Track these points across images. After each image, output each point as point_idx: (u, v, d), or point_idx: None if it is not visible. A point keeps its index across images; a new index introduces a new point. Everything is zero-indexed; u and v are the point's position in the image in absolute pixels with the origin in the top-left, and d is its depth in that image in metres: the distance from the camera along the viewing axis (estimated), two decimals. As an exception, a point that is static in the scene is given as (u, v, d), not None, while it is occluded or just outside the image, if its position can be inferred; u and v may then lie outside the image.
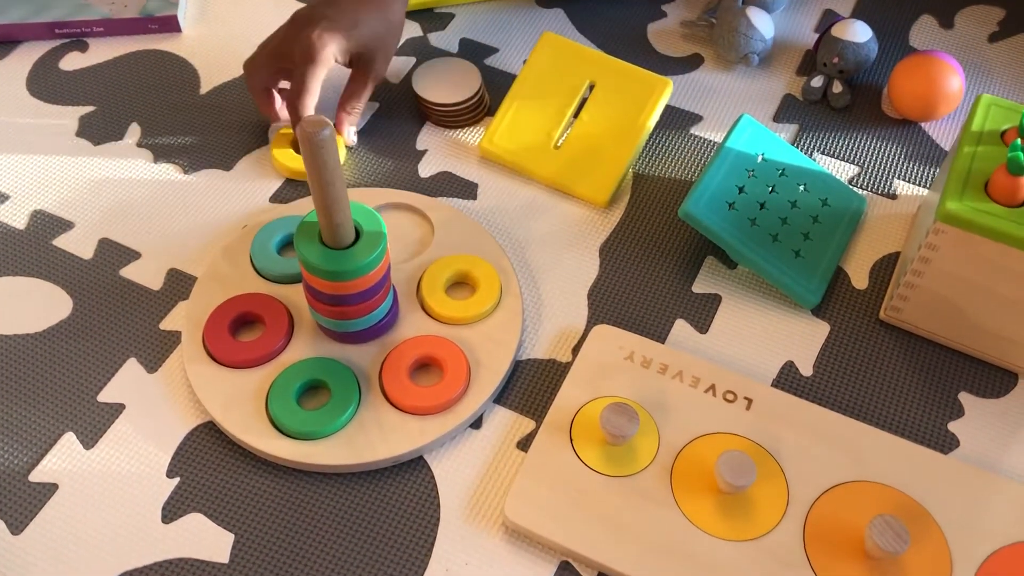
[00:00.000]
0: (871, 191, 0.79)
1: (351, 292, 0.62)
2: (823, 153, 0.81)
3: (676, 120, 0.84)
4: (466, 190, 0.79)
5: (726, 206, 0.72)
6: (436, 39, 0.91)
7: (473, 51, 0.90)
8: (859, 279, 0.73)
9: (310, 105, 0.75)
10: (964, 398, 0.67)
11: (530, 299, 0.72)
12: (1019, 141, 0.60)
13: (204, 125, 0.84)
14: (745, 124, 0.76)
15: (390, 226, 0.76)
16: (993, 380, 0.68)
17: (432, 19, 0.93)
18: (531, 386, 0.68)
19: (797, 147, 0.82)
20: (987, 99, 0.67)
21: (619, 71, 0.80)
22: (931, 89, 0.80)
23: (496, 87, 0.86)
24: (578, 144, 0.79)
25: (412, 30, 0.92)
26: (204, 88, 0.87)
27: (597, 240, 0.76)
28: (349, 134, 0.80)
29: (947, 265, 0.64)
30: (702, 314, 0.72)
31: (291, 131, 0.81)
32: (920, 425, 0.66)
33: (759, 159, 0.75)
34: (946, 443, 0.65)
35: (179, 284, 0.73)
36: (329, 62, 0.75)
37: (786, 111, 0.84)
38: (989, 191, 0.61)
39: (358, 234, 0.62)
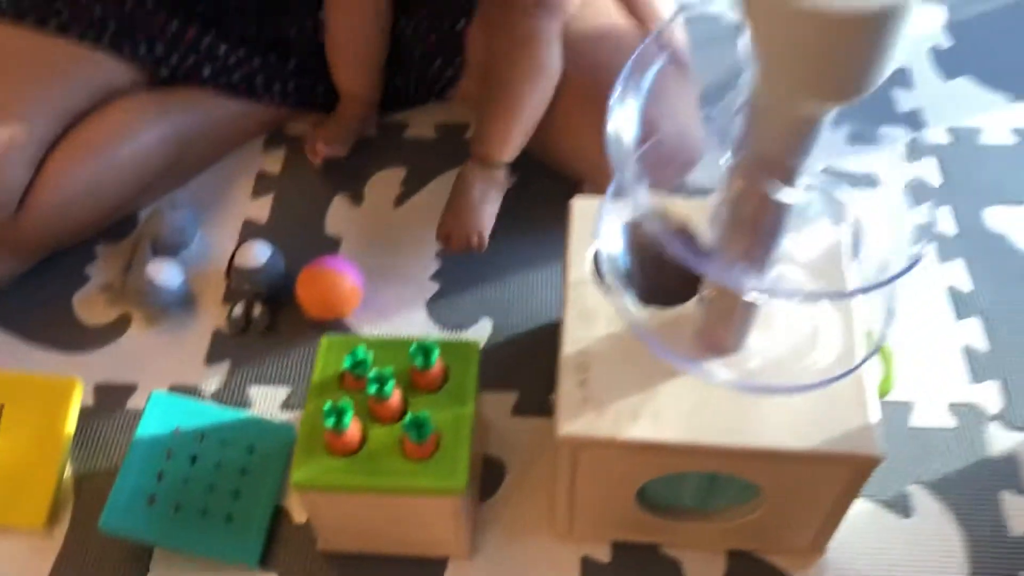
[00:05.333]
0: (301, 408, 0.84)
1: None
2: (257, 382, 0.86)
3: (110, 398, 0.85)
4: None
5: (146, 503, 0.73)
6: None
7: None
8: (299, 513, 0.78)
9: None
10: (404, 598, 0.74)
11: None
12: (331, 403, 0.65)
13: None
14: (155, 402, 0.78)
15: None
16: (423, 570, 0.75)
17: None
18: None
19: (231, 384, 0.85)
20: (327, 341, 0.73)
21: (24, 384, 0.80)
22: (330, 295, 0.86)
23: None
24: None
25: None
26: None
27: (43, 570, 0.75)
28: None
29: (331, 518, 0.69)
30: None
31: None
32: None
33: (176, 433, 0.77)
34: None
35: None
36: None
37: (216, 349, 0.88)
38: (331, 446, 0.67)
39: None
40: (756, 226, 0.55)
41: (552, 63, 0.87)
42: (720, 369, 0.63)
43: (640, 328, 0.62)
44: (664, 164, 0.86)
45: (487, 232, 0.89)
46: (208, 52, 0.93)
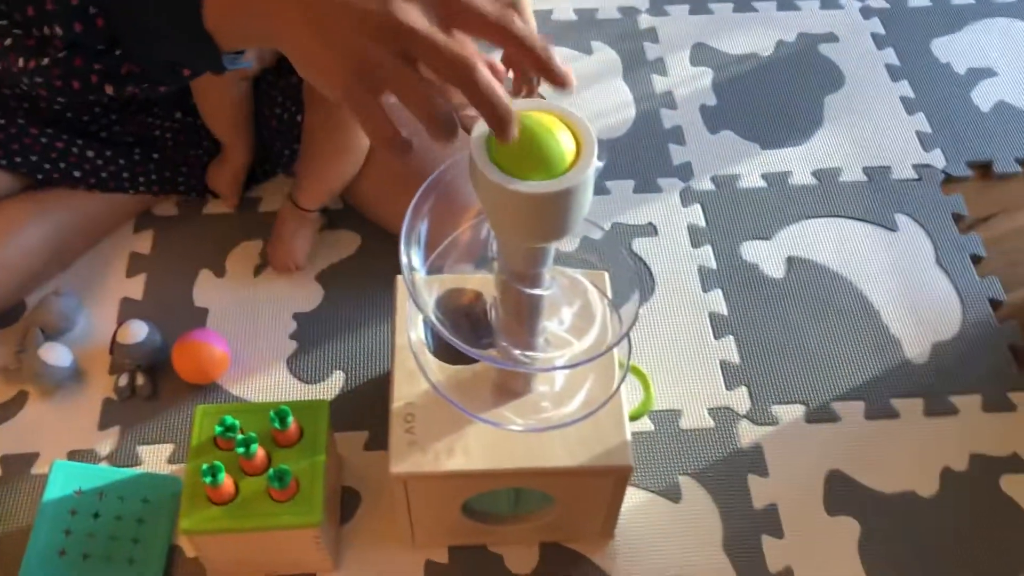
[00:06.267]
0: (184, 462, 0.99)
1: None
2: (144, 443, 1.01)
3: (15, 467, 0.98)
4: None
5: (57, 556, 0.88)
6: None
7: None
8: (190, 549, 0.94)
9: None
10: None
11: None
12: (207, 465, 0.82)
13: None
14: (57, 470, 0.93)
15: None
16: (299, 587, 0.93)
17: None
18: None
19: (123, 446, 1.00)
20: (201, 409, 0.89)
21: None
22: (201, 363, 1.02)
23: None
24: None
25: None
26: None
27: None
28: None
29: (217, 554, 0.86)
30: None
31: None
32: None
33: (78, 494, 0.92)
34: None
35: None
36: None
37: (107, 416, 1.02)
38: (211, 497, 0.84)
39: None
40: (518, 314, 0.75)
41: (358, 144, 1.06)
42: (511, 415, 0.83)
43: (440, 388, 0.81)
44: (475, 242, 1.05)
45: (301, 259, 1.13)
46: (78, 157, 1.07)
